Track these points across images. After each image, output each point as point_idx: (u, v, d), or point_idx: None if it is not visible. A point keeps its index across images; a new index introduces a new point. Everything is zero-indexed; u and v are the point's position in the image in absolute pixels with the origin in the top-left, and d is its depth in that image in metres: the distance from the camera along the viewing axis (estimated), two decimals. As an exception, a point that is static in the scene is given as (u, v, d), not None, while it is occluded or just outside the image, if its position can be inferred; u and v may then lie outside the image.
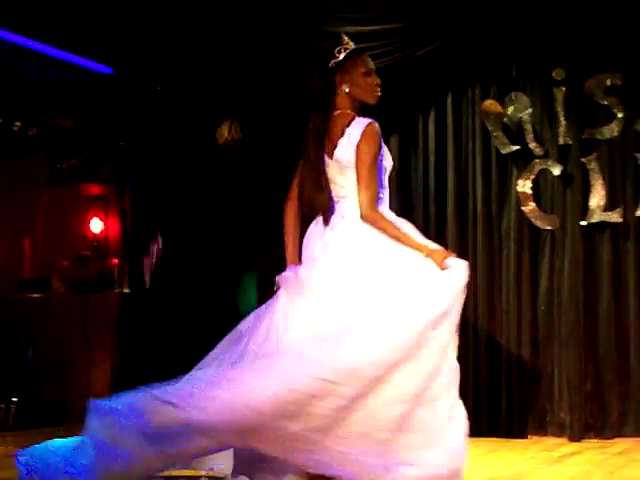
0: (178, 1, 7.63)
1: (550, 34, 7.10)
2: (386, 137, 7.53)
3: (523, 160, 7.14)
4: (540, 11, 7.00)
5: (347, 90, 4.37)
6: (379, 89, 4.45)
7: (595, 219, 6.98)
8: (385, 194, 4.40)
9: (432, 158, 7.38)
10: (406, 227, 4.37)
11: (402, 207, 7.43)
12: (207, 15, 7.60)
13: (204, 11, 7.60)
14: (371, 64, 4.43)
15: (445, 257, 4.23)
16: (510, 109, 7.13)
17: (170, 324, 7.85)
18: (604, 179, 6.98)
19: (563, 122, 7.06)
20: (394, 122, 7.47)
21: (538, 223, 7.09)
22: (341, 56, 4.37)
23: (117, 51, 7.94)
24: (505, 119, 7.16)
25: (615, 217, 6.95)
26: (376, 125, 4.31)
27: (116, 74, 8.17)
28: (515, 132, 7.13)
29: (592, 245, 7.03)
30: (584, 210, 7.00)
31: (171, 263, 8.09)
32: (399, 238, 4.24)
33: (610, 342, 6.94)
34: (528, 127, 7.13)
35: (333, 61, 4.37)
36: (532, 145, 7.12)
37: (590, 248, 7.02)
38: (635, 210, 6.91)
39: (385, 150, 4.42)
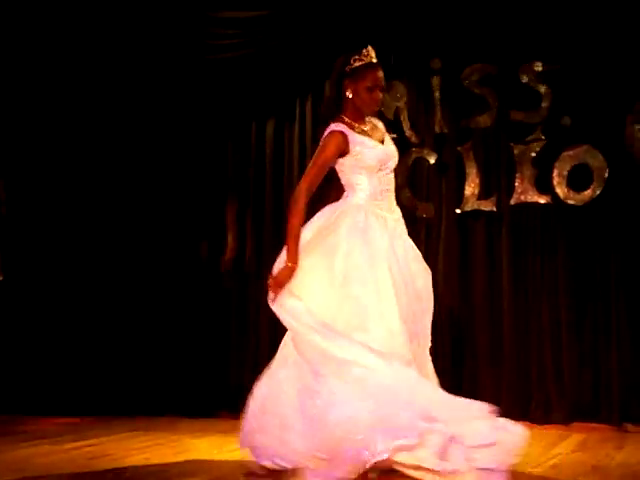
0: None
1: (428, 24, 7.19)
2: (262, 122, 7.63)
3: (399, 148, 7.12)
4: (418, 1, 7.08)
5: (350, 96, 4.81)
6: (377, 105, 4.95)
7: (469, 207, 7.08)
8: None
9: (309, 144, 7.40)
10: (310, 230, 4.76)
11: (280, 193, 7.48)
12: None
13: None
14: (379, 81, 4.84)
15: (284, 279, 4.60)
16: (387, 97, 7.17)
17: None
18: (479, 168, 7.08)
19: (439, 111, 7.14)
20: (271, 107, 7.50)
21: (413, 211, 7.15)
22: (355, 64, 4.81)
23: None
24: (382, 107, 7.19)
25: (489, 205, 7.05)
26: (328, 132, 4.81)
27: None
28: (392, 120, 7.17)
29: (466, 233, 7.13)
30: (459, 198, 7.10)
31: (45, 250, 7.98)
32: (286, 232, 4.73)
33: (484, 327, 7.04)
34: (404, 115, 7.20)
35: (348, 67, 4.81)
36: (408, 133, 7.19)
37: (465, 236, 7.12)
38: (509, 199, 7.02)
39: (360, 150, 4.79)
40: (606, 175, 6.79)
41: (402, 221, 4.96)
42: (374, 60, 4.86)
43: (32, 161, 8.05)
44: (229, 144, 7.77)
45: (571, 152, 6.89)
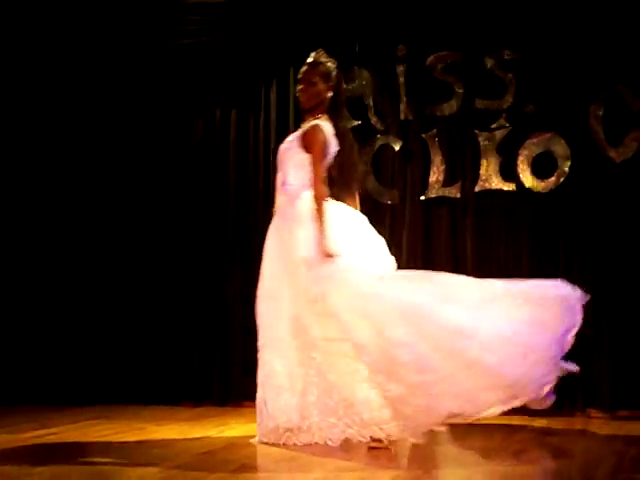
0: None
1: (393, 11, 7.18)
2: (227, 109, 7.60)
3: (364, 135, 7.18)
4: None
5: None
6: (301, 98, 5.59)
7: (434, 194, 7.08)
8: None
9: (273, 131, 7.38)
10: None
11: (242, 181, 7.44)
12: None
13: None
14: (300, 75, 5.60)
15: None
16: (352, 84, 7.15)
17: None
18: (443, 155, 7.08)
19: (404, 98, 7.14)
20: (235, 94, 7.47)
21: (378, 198, 7.15)
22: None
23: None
24: (347, 94, 7.19)
25: (453, 192, 7.06)
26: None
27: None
28: (357, 107, 7.16)
29: (431, 219, 7.13)
30: (423, 185, 7.10)
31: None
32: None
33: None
34: (369, 102, 7.19)
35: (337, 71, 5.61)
36: (373, 120, 7.18)
37: (429, 222, 7.13)
38: (473, 186, 7.03)
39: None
40: (569, 162, 6.82)
41: None
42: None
43: (27, 154, 7.94)
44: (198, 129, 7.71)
45: (535, 139, 6.91)
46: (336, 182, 5.51)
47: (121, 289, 7.72)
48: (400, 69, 7.16)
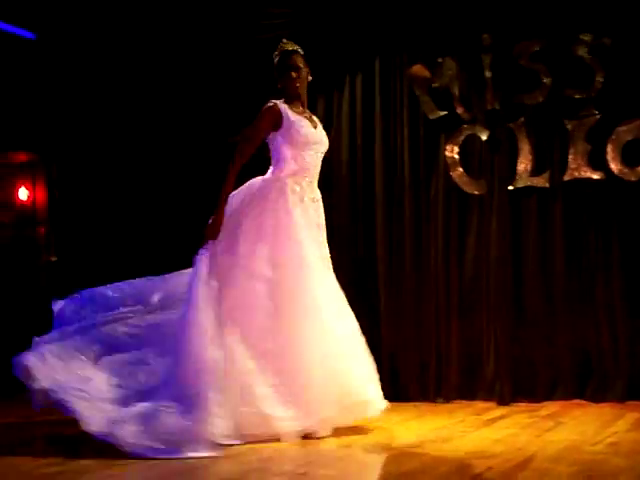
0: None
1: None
2: (312, 100, 7.59)
3: (451, 125, 7.15)
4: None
5: (279, 86, 5.73)
6: (294, 85, 5.69)
7: (522, 184, 7.02)
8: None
9: (359, 123, 7.39)
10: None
11: (332, 173, 7.44)
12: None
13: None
14: (292, 63, 5.70)
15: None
16: (438, 74, 7.12)
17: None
18: (531, 144, 7.01)
19: (491, 87, 7.07)
20: (320, 85, 7.46)
21: (466, 188, 7.11)
22: (275, 59, 5.76)
23: (40, 16, 7.80)
24: (433, 84, 7.17)
25: (542, 182, 6.99)
26: (265, 106, 5.59)
27: (39, 40, 8.02)
28: (443, 97, 7.13)
29: (519, 210, 7.06)
30: (511, 175, 7.04)
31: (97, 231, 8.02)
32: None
33: (538, 307, 6.98)
34: (456, 92, 7.14)
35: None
36: (460, 110, 7.13)
37: (517, 213, 7.06)
38: (562, 175, 6.95)
39: (291, 125, 5.52)
40: (661, 150, 6.72)
41: (320, 204, 5.65)
42: (287, 48, 5.68)
43: (84, 144, 8.07)
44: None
45: (625, 127, 6.81)
46: None
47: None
48: (486, 58, 7.09)
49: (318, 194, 5.66)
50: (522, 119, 7.03)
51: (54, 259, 8.19)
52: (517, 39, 7.04)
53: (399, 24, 7.21)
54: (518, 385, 6.91)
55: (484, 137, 7.08)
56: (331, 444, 5.16)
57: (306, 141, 5.55)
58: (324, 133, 5.77)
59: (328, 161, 7.42)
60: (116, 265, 7.86)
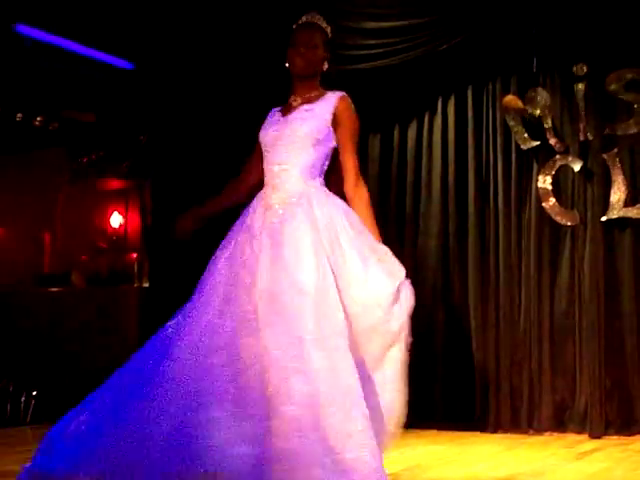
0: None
1: (571, 29, 7.08)
2: (404, 126, 7.64)
3: (543, 156, 7.13)
4: (562, 5, 6.99)
5: (287, 65, 4.41)
6: (298, 63, 4.34)
7: (615, 215, 6.94)
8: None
9: (452, 151, 7.41)
10: None
11: (421, 200, 7.46)
12: (227, 11, 7.64)
13: (224, 7, 7.66)
14: (302, 39, 4.35)
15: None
16: (531, 104, 7.11)
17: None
18: (625, 174, 6.95)
19: (584, 118, 7.03)
20: (412, 112, 7.51)
21: (558, 219, 7.07)
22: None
23: (138, 46, 7.97)
24: (526, 114, 7.15)
25: (636, 212, 6.91)
26: None
27: (137, 69, 8.19)
28: (535, 127, 7.11)
29: (612, 241, 6.99)
30: (604, 206, 6.98)
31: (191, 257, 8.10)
32: None
33: (632, 338, 6.88)
34: (548, 123, 7.11)
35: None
36: (552, 141, 7.10)
37: (610, 244, 6.98)
38: (656, 206, 6.89)
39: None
40: None
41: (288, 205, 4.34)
42: (302, 21, 4.40)
43: (177, 170, 8.19)
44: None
45: None
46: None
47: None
48: (579, 88, 7.05)
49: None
50: (615, 149, 6.97)
51: (147, 285, 8.32)
52: (610, 68, 6.99)
53: (492, 53, 7.23)
54: (610, 417, 6.83)
55: (577, 168, 7.03)
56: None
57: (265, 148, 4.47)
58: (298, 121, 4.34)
59: (419, 187, 7.52)
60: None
